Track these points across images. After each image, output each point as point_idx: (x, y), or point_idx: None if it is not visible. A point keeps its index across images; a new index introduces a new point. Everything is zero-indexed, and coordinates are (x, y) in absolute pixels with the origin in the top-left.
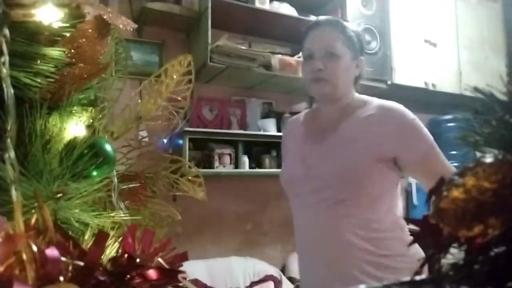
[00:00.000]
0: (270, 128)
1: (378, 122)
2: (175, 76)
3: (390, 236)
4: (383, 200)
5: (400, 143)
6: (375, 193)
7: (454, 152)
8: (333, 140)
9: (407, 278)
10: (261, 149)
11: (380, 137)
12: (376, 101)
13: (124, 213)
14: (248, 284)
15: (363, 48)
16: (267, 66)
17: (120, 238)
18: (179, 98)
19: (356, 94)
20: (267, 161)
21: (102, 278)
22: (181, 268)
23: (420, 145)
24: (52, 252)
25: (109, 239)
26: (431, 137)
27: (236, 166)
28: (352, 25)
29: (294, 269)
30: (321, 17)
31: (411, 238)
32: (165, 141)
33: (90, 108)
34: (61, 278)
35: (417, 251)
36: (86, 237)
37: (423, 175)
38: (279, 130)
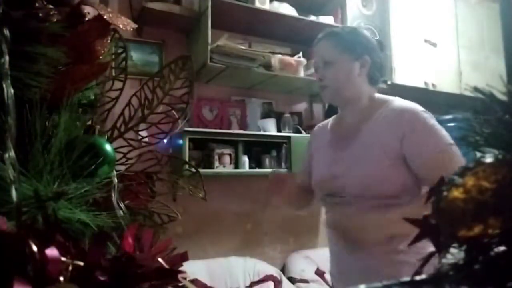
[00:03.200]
0: (270, 128)
1: (391, 123)
2: (175, 76)
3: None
4: (403, 199)
5: (410, 142)
6: (395, 193)
7: None
8: (355, 146)
9: (407, 278)
10: (261, 149)
11: (393, 138)
12: (395, 102)
13: (124, 213)
14: (248, 284)
15: (369, 47)
16: (267, 66)
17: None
18: (179, 98)
19: (377, 95)
20: (267, 161)
21: (102, 278)
22: (181, 268)
23: (431, 144)
24: (52, 252)
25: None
26: (446, 137)
27: (236, 166)
28: (349, 28)
29: (294, 269)
30: (321, 34)
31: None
32: (165, 141)
33: (90, 108)
34: (61, 278)
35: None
36: (86, 237)
37: (434, 176)
38: (279, 130)
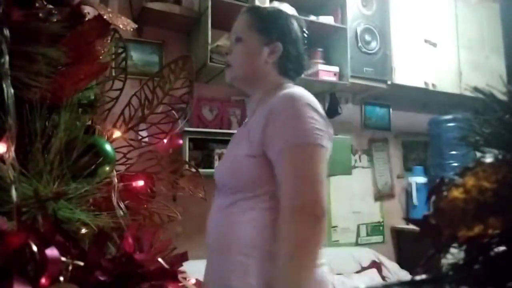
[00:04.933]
0: None
1: (264, 109)
2: (175, 76)
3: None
4: (261, 197)
5: (268, 133)
6: (251, 188)
7: (454, 152)
8: (237, 134)
9: (407, 278)
10: None
11: (259, 124)
12: (283, 90)
13: (124, 213)
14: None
15: (286, 35)
16: None
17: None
18: (179, 98)
19: (281, 83)
20: None
21: (102, 278)
22: (181, 268)
23: (286, 134)
24: (52, 252)
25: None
26: (311, 135)
27: None
28: (275, 9)
29: None
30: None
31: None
32: (165, 141)
33: (90, 108)
34: (61, 278)
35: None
36: (86, 237)
37: (280, 173)
38: None
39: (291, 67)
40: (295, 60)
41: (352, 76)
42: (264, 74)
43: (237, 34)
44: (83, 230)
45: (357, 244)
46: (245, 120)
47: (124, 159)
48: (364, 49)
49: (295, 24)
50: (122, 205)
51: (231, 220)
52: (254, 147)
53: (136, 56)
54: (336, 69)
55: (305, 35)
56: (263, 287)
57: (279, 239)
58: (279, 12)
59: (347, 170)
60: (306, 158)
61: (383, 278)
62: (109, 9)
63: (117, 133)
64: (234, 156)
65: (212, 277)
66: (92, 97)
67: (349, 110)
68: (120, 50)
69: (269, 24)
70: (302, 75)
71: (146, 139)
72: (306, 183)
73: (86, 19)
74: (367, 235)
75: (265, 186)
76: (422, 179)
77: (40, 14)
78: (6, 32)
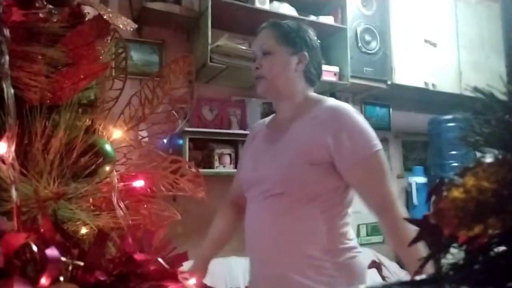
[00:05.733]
0: None
1: (319, 124)
2: (175, 76)
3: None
4: (318, 203)
5: (338, 146)
6: (310, 195)
7: (454, 152)
8: (281, 142)
9: (407, 278)
10: None
11: (321, 139)
12: (328, 102)
13: (124, 213)
14: (248, 284)
15: (309, 44)
16: None
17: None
18: (179, 98)
19: (311, 93)
20: None
21: (102, 278)
22: (181, 268)
23: (358, 149)
24: (52, 252)
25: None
26: (376, 143)
27: (236, 166)
28: (294, 22)
29: None
30: (264, 23)
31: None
32: (165, 141)
33: (90, 108)
34: (61, 278)
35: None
36: (86, 237)
37: (358, 184)
38: None
39: (315, 73)
40: (318, 66)
41: (352, 76)
42: (294, 83)
43: (265, 48)
44: (83, 230)
45: None
46: (261, 122)
47: (124, 159)
48: (364, 49)
49: (312, 34)
50: (122, 205)
51: (289, 228)
52: (317, 156)
53: (136, 56)
54: (336, 69)
55: (317, 40)
56: (322, 279)
57: (394, 231)
58: (298, 24)
59: None
60: (382, 161)
61: (383, 278)
62: (109, 9)
63: (117, 133)
64: (288, 162)
65: (267, 280)
66: (92, 97)
67: None
68: (120, 50)
69: (294, 36)
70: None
71: (146, 139)
72: (389, 183)
73: (86, 19)
74: (367, 235)
75: (320, 193)
76: (422, 179)
77: (40, 14)
78: (6, 32)
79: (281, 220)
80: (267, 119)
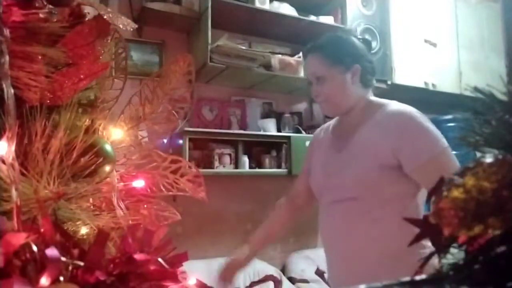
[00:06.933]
0: (270, 128)
1: (384, 129)
2: (175, 76)
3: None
4: (391, 206)
5: (404, 146)
6: (385, 198)
7: (454, 152)
8: (349, 148)
9: (407, 278)
10: (261, 149)
11: (387, 143)
12: (391, 105)
13: (124, 213)
14: (248, 284)
15: (356, 55)
16: (267, 66)
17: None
18: (179, 98)
19: (373, 98)
20: (267, 161)
21: (102, 278)
22: (181, 268)
23: (425, 148)
24: (52, 252)
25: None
26: (442, 140)
27: (236, 166)
28: (333, 37)
29: (294, 269)
30: (308, 46)
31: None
32: (165, 141)
33: (90, 108)
34: (61, 278)
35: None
36: (86, 237)
37: (429, 183)
38: (279, 130)
39: (371, 77)
40: (371, 69)
41: None
42: (355, 94)
43: (317, 75)
44: (83, 230)
45: None
46: (324, 128)
47: (124, 159)
48: None
49: (354, 40)
50: (122, 205)
51: (365, 229)
52: (385, 160)
53: (136, 56)
54: None
55: (362, 41)
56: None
57: None
58: (339, 37)
59: None
60: (450, 158)
61: None
62: (109, 9)
63: (117, 133)
64: (361, 168)
65: (351, 279)
66: (92, 97)
67: None
68: (120, 50)
69: (340, 55)
70: None
71: (146, 139)
72: None
73: (86, 19)
74: None
75: (391, 195)
76: None
77: (40, 14)
78: (6, 32)
79: (355, 224)
80: (330, 124)
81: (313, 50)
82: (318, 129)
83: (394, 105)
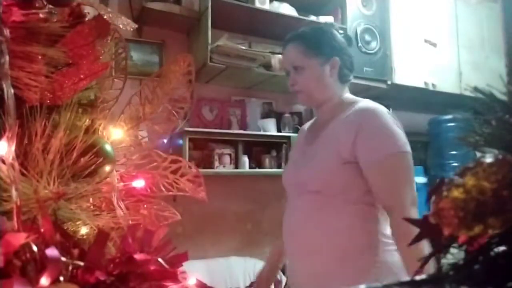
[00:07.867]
0: (270, 128)
1: (348, 124)
2: (175, 76)
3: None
4: (353, 201)
5: (360, 144)
6: (344, 193)
7: (454, 152)
8: (317, 143)
9: (407, 278)
10: (261, 149)
11: (349, 139)
12: (361, 103)
13: (124, 213)
14: (248, 284)
15: (337, 48)
16: (267, 66)
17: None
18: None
19: (348, 95)
20: (267, 161)
21: (102, 278)
22: (181, 268)
23: (378, 148)
24: (52, 252)
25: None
26: (400, 145)
27: (236, 166)
28: (316, 28)
29: None
30: (288, 35)
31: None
32: (165, 141)
33: (90, 108)
34: (61, 278)
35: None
36: (86, 237)
37: (372, 185)
38: (279, 130)
39: (348, 72)
40: (350, 65)
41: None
42: (331, 88)
43: (296, 64)
44: (83, 230)
45: None
46: (304, 126)
47: (124, 159)
48: (364, 49)
49: (335, 33)
50: (122, 205)
51: (324, 223)
52: (346, 155)
53: (136, 56)
54: None
55: (343, 36)
56: (360, 275)
57: (398, 232)
58: (321, 29)
59: None
60: (402, 165)
61: None
62: (109, 9)
63: (117, 133)
64: (322, 161)
65: (305, 276)
66: (92, 97)
67: None
68: (120, 50)
69: (320, 45)
70: None
71: (146, 139)
72: (406, 186)
73: (86, 19)
74: None
75: (354, 191)
76: (422, 179)
77: (40, 14)
78: (6, 32)
79: (316, 215)
80: (310, 121)
81: (294, 39)
82: (301, 127)
83: (365, 103)
